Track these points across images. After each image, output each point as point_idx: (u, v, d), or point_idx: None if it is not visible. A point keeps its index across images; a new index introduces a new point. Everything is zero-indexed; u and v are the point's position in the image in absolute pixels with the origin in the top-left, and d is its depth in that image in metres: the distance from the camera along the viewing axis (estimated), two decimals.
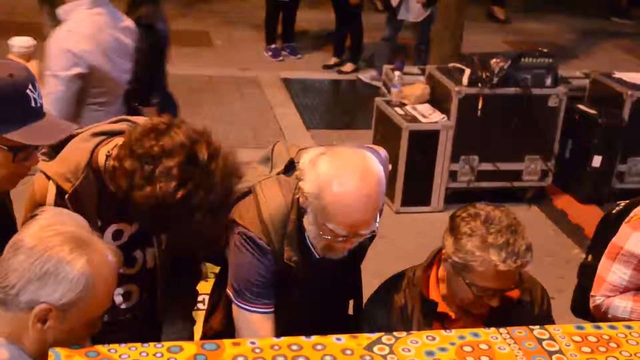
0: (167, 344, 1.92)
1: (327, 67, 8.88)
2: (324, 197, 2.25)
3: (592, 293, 2.84)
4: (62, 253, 1.73)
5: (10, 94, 2.02)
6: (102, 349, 1.86)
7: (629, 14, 11.87)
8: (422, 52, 8.32)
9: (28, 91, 2.05)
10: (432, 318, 2.53)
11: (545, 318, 2.55)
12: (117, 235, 2.42)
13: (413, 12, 8.09)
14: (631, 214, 2.81)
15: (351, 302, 2.83)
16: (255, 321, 2.47)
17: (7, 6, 9.69)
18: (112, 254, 1.83)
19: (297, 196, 2.39)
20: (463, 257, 2.38)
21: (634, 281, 2.74)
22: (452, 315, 2.53)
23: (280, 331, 2.49)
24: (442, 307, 2.53)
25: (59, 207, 2.27)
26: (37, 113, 2.09)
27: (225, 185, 2.12)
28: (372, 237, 2.58)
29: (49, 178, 2.30)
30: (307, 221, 2.37)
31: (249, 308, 2.47)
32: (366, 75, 8.56)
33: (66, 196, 2.28)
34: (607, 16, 11.72)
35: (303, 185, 2.32)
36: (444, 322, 2.52)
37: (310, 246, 2.46)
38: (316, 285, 2.54)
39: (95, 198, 2.32)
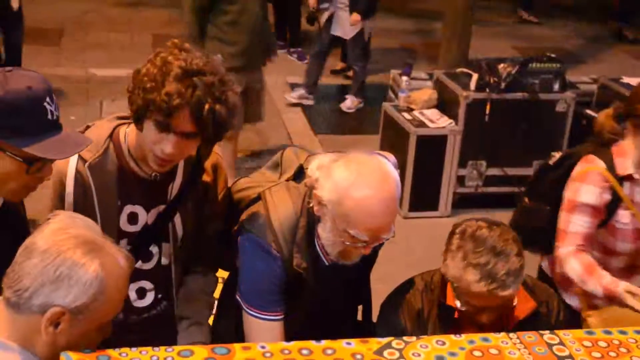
0: (177, 348, 1.93)
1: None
2: (344, 204, 2.25)
3: (556, 244, 3.11)
4: (76, 256, 1.74)
5: (28, 106, 2.02)
6: (113, 352, 1.87)
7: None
8: (357, 73, 7.99)
9: (45, 104, 2.04)
10: (449, 324, 2.53)
11: (561, 328, 2.54)
12: (132, 219, 2.45)
13: (343, 28, 7.66)
14: (573, 173, 3.11)
15: (360, 308, 2.83)
16: (264, 329, 2.47)
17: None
18: (124, 258, 1.84)
19: (308, 203, 2.40)
20: (446, 270, 2.44)
21: (592, 227, 3.05)
22: (469, 322, 2.53)
23: (290, 338, 2.49)
24: (459, 313, 2.54)
25: (79, 175, 2.34)
26: (54, 126, 2.08)
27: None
28: (381, 244, 2.59)
29: None
30: (323, 229, 2.37)
31: (259, 315, 2.46)
32: (294, 95, 8.04)
33: (87, 164, 2.33)
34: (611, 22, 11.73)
35: (319, 193, 2.31)
36: (461, 328, 2.51)
37: (320, 253, 2.46)
38: (326, 292, 2.54)
39: (115, 174, 2.37)
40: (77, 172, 2.35)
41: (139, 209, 2.45)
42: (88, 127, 2.45)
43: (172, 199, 2.47)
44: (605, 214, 3.04)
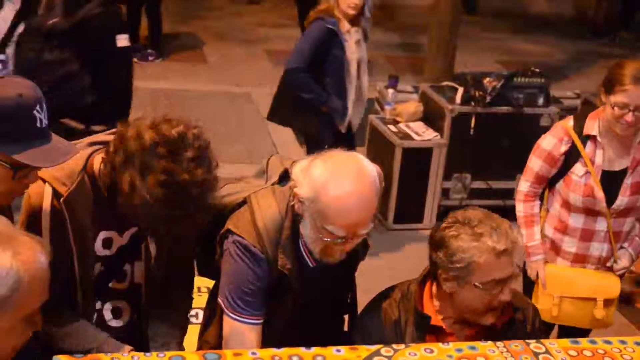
0: (169, 353, 1.94)
1: None
2: (321, 200, 2.28)
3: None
4: None
5: (17, 113, 2.03)
6: (105, 357, 1.88)
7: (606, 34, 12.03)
8: None
9: (35, 112, 2.06)
10: (425, 332, 2.55)
11: (537, 337, 2.55)
12: (106, 244, 2.44)
13: None
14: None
15: (346, 318, 2.85)
16: (242, 331, 2.48)
17: None
18: (38, 244, 1.77)
19: (292, 204, 2.42)
20: (461, 259, 2.40)
21: (544, 171, 3.55)
22: (446, 329, 2.55)
23: (274, 343, 2.51)
24: (436, 321, 2.56)
25: (54, 210, 2.30)
26: (43, 134, 2.09)
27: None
28: (365, 250, 2.61)
29: (44, 182, 2.31)
30: (304, 226, 2.40)
31: (238, 318, 2.48)
32: None
33: (62, 199, 2.30)
34: (591, 38, 11.87)
35: (298, 190, 2.34)
36: (438, 336, 2.54)
37: (305, 255, 2.48)
38: (309, 294, 2.55)
39: (90, 204, 2.35)
40: (53, 208, 2.32)
41: (113, 234, 2.45)
42: None
43: None
44: (563, 164, 3.49)
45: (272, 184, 2.55)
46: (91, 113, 4.48)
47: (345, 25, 5.11)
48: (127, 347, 2.39)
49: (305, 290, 2.53)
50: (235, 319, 2.48)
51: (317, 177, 2.30)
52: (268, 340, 2.49)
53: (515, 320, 2.58)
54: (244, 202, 2.51)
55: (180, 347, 2.60)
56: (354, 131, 5.51)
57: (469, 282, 2.42)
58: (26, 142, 2.05)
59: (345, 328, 2.86)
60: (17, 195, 2.19)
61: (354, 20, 5.15)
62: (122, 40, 4.50)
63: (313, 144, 5.32)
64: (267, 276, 2.46)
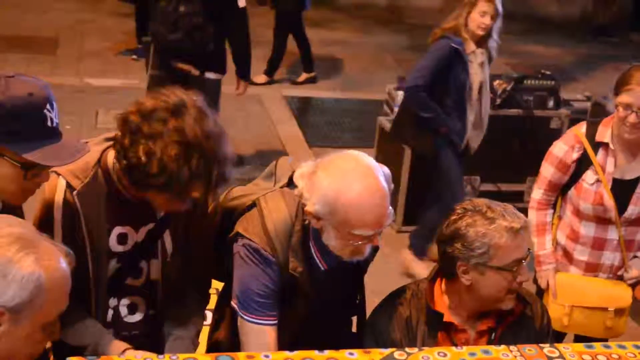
0: (182, 355, 1.93)
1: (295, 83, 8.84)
2: (339, 211, 2.28)
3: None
4: (9, 253, 1.67)
5: (28, 112, 2.03)
6: (117, 359, 1.87)
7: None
8: None
9: (45, 111, 2.06)
10: (437, 329, 2.55)
11: (546, 332, 2.62)
12: (121, 240, 2.45)
13: None
14: None
15: (354, 320, 2.84)
16: (259, 333, 2.47)
17: (9, 21, 9.75)
18: (62, 253, 1.78)
19: (302, 209, 2.40)
20: (482, 244, 2.43)
21: (556, 178, 3.50)
22: (458, 325, 2.56)
23: (284, 344, 2.51)
24: (448, 317, 2.57)
25: (67, 203, 2.32)
26: (54, 133, 2.10)
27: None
28: (375, 251, 2.61)
29: (58, 175, 2.33)
30: (328, 238, 2.38)
31: (254, 320, 2.47)
32: None
33: (75, 192, 2.31)
34: (601, 40, 11.84)
35: (311, 209, 2.33)
36: (450, 332, 2.55)
37: (316, 258, 2.48)
38: (320, 297, 2.55)
39: (104, 198, 2.36)
40: (65, 201, 2.33)
41: (128, 230, 2.45)
42: None
43: (161, 217, 2.47)
44: (575, 171, 3.45)
45: (281, 187, 2.55)
46: (208, 61, 5.59)
47: (470, 46, 5.00)
48: (122, 346, 2.37)
49: (316, 293, 2.52)
50: (251, 321, 2.47)
51: (326, 189, 2.29)
52: (278, 341, 2.49)
53: (525, 315, 2.59)
54: (253, 205, 2.50)
55: (195, 345, 2.59)
56: (471, 154, 5.41)
57: (490, 267, 2.44)
58: (37, 141, 2.05)
59: (354, 329, 2.85)
60: (29, 195, 2.19)
61: (480, 42, 5.04)
62: (242, 1, 5.61)
63: (431, 165, 5.27)
64: (278, 279, 2.46)
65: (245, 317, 2.48)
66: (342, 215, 2.28)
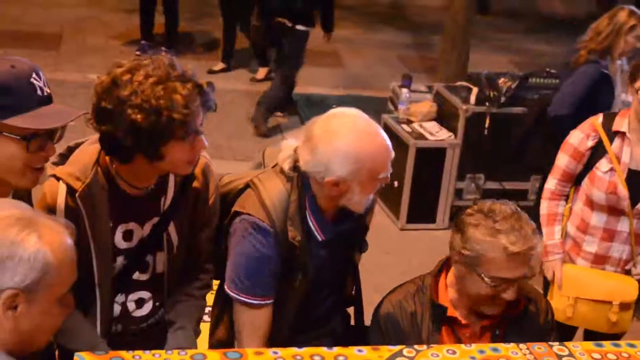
0: (190, 351, 1.93)
1: (212, 72, 8.67)
2: (366, 162, 2.37)
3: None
4: (11, 236, 1.68)
5: (14, 83, 2.03)
6: (126, 355, 1.87)
7: None
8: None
9: (32, 80, 2.06)
10: (441, 323, 2.56)
11: (550, 328, 2.63)
12: (127, 236, 2.45)
13: None
14: None
15: (352, 314, 2.84)
16: (254, 314, 2.49)
17: (12, 16, 9.74)
18: (62, 225, 1.78)
19: (298, 181, 2.46)
20: (473, 248, 2.42)
21: (570, 167, 3.54)
22: (462, 320, 2.55)
23: (284, 329, 2.52)
24: (451, 312, 2.57)
25: (69, 207, 2.31)
26: (46, 101, 2.09)
27: None
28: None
29: (58, 180, 2.32)
30: (351, 197, 2.44)
31: (247, 300, 2.49)
32: None
33: (77, 194, 2.30)
34: None
35: (332, 177, 2.37)
36: (453, 327, 2.56)
37: (313, 228, 2.50)
38: (318, 273, 2.56)
39: (106, 197, 2.35)
40: (68, 205, 2.32)
41: (133, 226, 2.45)
42: (70, 147, 2.43)
43: (165, 211, 2.47)
44: (589, 160, 3.47)
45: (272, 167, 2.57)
46: (299, 15, 6.99)
47: (616, 68, 4.76)
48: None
49: (314, 267, 2.53)
50: (245, 302, 2.49)
51: (345, 150, 2.35)
52: (277, 326, 2.52)
53: (529, 311, 2.59)
54: (247, 187, 2.54)
55: (197, 333, 2.61)
56: None
57: (476, 272, 2.43)
58: (31, 111, 2.04)
59: (352, 323, 2.85)
60: (38, 174, 2.15)
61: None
62: None
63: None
64: (275, 255, 2.47)
65: (240, 297, 2.49)
66: (369, 165, 2.37)
